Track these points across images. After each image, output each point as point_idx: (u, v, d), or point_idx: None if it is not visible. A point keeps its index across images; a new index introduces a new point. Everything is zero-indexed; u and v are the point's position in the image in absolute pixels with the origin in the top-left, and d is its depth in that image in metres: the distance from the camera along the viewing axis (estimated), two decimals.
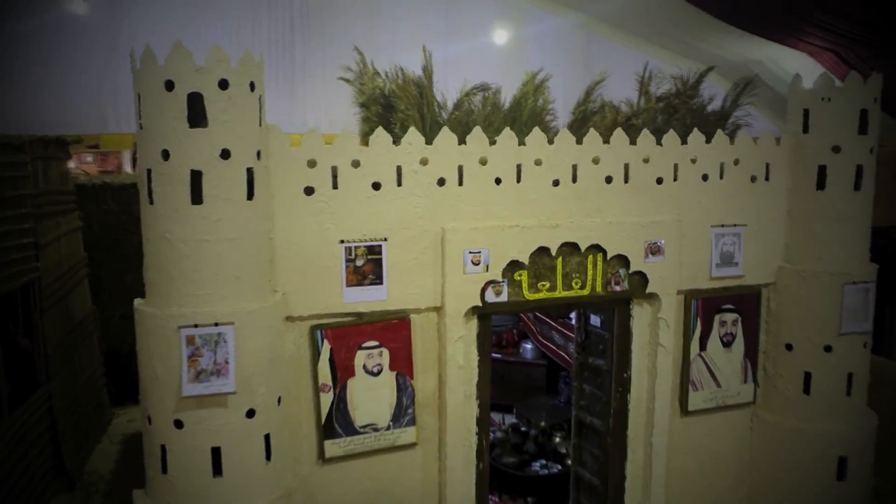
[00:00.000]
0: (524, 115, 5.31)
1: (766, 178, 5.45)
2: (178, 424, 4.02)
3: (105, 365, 8.63)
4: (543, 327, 8.57)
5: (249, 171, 4.04)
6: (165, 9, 12.94)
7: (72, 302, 7.81)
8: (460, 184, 4.74)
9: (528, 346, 9.57)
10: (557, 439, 7.60)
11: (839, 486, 5.49)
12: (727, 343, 5.58)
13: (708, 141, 5.23)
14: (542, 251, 4.90)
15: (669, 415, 5.43)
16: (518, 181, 4.86)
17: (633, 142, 5.04)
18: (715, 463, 5.76)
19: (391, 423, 4.79)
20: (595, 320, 5.70)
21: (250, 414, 4.12)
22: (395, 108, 5.15)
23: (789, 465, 5.58)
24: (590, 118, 5.55)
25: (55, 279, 7.23)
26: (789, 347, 5.54)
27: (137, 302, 4.19)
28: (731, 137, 5.40)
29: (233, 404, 4.05)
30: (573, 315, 6.64)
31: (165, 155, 3.87)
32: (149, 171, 3.96)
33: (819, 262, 5.38)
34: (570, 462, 7.09)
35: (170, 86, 3.81)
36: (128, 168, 13.86)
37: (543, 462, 7.27)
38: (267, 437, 4.22)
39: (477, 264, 4.74)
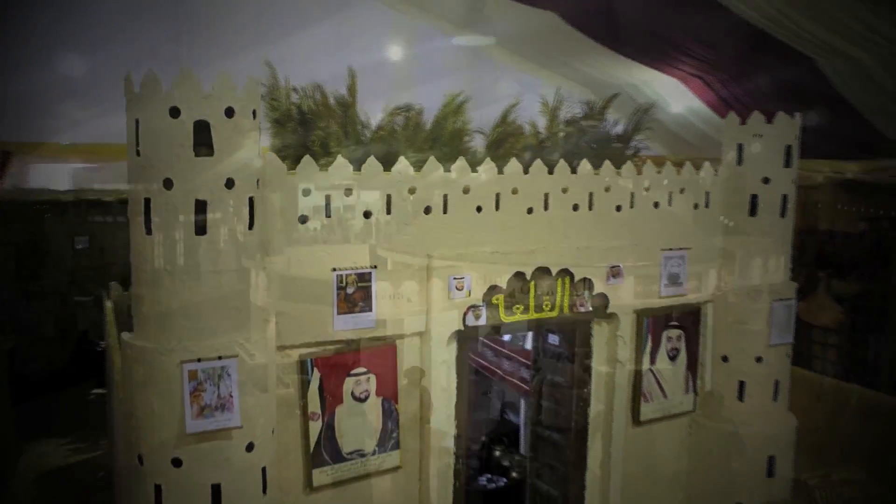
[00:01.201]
0: (445, 136, 5.49)
1: (706, 206, 5.99)
2: (177, 462, 3.86)
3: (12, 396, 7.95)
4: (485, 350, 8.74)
5: (251, 200, 3.97)
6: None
7: None
8: (445, 212, 4.87)
9: None
10: (498, 453, 7.83)
11: (768, 482, 6.09)
12: (672, 357, 6.05)
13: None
14: (519, 276, 5.12)
15: (625, 426, 5.81)
16: (497, 209, 5.06)
17: (596, 171, 5.38)
18: (659, 467, 6.20)
19: (377, 448, 4.82)
20: (553, 339, 6.00)
21: (250, 447, 4.04)
22: (312, 125, 5.14)
23: (724, 465, 6.12)
24: (505, 140, 5.78)
25: None
26: (725, 359, 6.09)
27: (127, 336, 4.00)
28: (638, 163, 5.79)
29: (235, 438, 3.95)
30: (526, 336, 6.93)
31: (168, 184, 3.74)
32: (147, 201, 3.80)
33: (750, 282, 5.97)
34: (514, 475, 7.40)
35: (175, 113, 3.70)
36: None
37: (489, 476, 7.47)
38: (264, 470, 4.15)
39: (461, 290, 4.89)
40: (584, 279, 5.39)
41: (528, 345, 6.97)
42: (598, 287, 5.45)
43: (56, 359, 10.02)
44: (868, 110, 7.54)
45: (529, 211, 5.19)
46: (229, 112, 3.80)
